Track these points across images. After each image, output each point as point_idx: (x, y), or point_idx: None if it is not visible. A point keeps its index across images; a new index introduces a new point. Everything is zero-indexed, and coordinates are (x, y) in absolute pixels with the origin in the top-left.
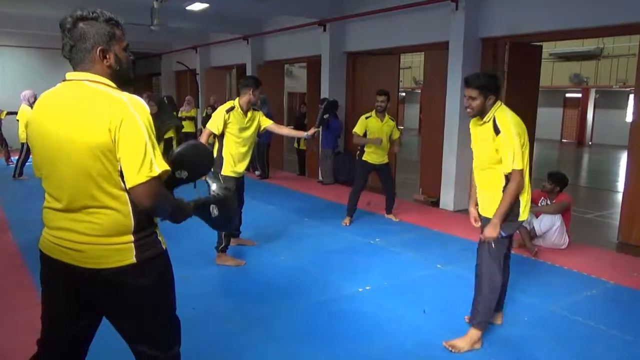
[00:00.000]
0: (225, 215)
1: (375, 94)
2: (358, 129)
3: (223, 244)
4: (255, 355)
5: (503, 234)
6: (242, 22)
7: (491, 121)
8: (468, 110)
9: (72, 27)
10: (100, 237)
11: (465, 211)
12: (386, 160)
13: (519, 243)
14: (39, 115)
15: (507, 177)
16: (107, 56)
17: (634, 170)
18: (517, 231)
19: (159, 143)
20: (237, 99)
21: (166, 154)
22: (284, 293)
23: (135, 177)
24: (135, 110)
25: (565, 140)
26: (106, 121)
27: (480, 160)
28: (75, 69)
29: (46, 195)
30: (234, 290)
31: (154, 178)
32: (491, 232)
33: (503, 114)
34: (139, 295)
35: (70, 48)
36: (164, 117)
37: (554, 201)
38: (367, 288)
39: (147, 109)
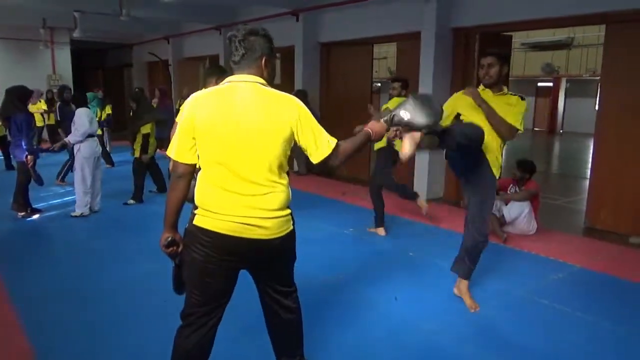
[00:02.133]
0: (418, 113)
1: (391, 81)
2: None
3: None
4: (229, 345)
5: None
6: (215, 11)
7: (509, 94)
8: (486, 78)
9: (244, 39)
10: (278, 210)
11: (437, 200)
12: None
13: (489, 230)
14: (218, 109)
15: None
16: (267, 65)
17: (600, 158)
18: None
19: (135, 137)
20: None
21: (144, 149)
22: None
23: (320, 151)
24: (301, 104)
25: (537, 129)
26: (289, 115)
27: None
28: (241, 72)
29: (220, 182)
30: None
31: (333, 149)
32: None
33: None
34: (292, 253)
35: (242, 56)
36: (140, 112)
37: (522, 188)
38: (341, 277)
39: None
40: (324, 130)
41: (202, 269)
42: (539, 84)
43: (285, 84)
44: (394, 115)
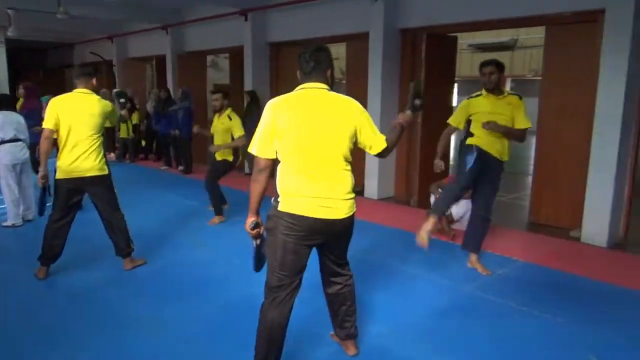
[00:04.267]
0: (422, 96)
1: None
2: None
3: (131, 248)
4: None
5: None
6: (161, 10)
7: (509, 94)
8: (488, 83)
9: (312, 54)
10: (349, 193)
11: (389, 199)
12: None
13: (438, 228)
14: (299, 110)
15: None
16: (331, 74)
17: (541, 155)
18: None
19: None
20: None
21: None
22: (201, 290)
23: (378, 145)
24: (361, 107)
25: None
26: (353, 115)
27: (497, 119)
28: (311, 81)
29: (301, 171)
30: (148, 291)
31: (385, 141)
32: None
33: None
34: (352, 231)
35: (313, 67)
36: None
37: None
38: None
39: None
40: (376, 128)
41: (287, 248)
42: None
43: (234, 84)
44: (413, 105)
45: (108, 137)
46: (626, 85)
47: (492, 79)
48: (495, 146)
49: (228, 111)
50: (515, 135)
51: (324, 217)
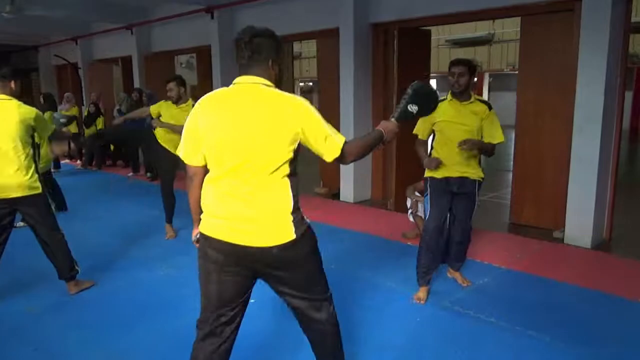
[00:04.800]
0: (424, 104)
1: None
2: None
3: (75, 270)
4: None
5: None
6: (124, 10)
7: (476, 100)
8: (456, 86)
9: (250, 41)
10: (281, 214)
11: (365, 202)
12: None
13: (415, 233)
14: (218, 112)
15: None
16: (274, 66)
17: (521, 152)
18: (413, 220)
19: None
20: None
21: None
22: (154, 314)
23: (329, 152)
24: (307, 104)
25: None
26: (293, 117)
27: (459, 137)
28: (247, 74)
29: (219, 185)
30: (91, 319)
31: (342, 148)
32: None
33: (480, 97)
34: (305, 261)
35: (249, 57)
36: None
37: None
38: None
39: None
40: (332, 130)
41: (209, 277)
42: None
43: (203, 85)
44: (403, 111)
45: (74, 143)
46: (606, 76)
47: (460, 81)
48: (458, 165)
49: (190, 102)
50: (488, 152)
51: (242, 243)
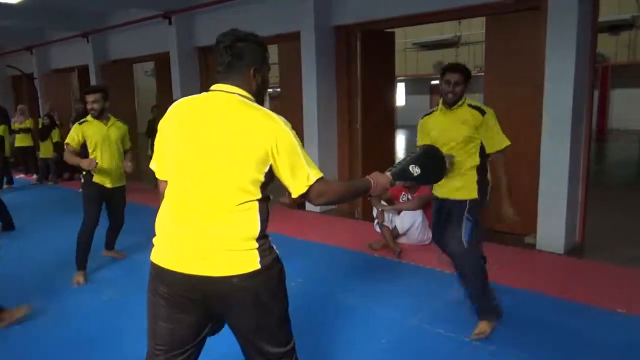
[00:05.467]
0: (429, 170)
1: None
2: None
3: None
4: None
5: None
6: (80, 17)
7: (467, 105)
8: (450, 95)
9: (231, 46)
10: (242, 240)
11: (331, 212)
12: None
13: (382, 244)
14: (184, 121)
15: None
16: (256, 76)
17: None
18: (380, 230)
19: None
20: None
21: None
22: (89, 353)
23: (295, 188)
24: (285, 126)
25: None
26: (265, 136)
27: (449, 146)
28: (225, 82)
29: (173, 205)
30: (24, 354)
31: (311, 186)
32: (507, 209)
33: (473, 101)
34: (268, 298)
35: (228, 64)
36: None
37: (414, 196)
38: None
39: (289, 124)
40: (308, 162)
41: (158, 313)
42: (433, 82)
43: (162, 93)
44: (402, 169)
45: (29, 157)
46: (575, 77)
47: (456, 90)
48: (449, 184)
49: (113, 119)
50: (500, 170)
51: (197, 272)
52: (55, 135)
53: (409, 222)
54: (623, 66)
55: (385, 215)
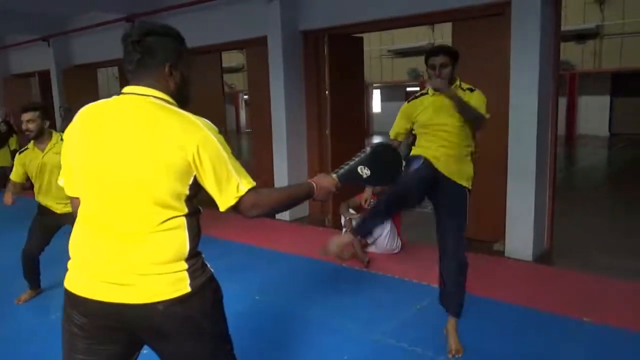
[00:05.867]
0: (380, 171)
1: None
2: None
3: None
4: None
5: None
6: (40, 20)
7: (460, 88)
8: (439, 80)
9: (140, 40)
10: (163, 264)
11: (302, 219)
12: None
13: (350, 253)
14: (90, 130)
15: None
16: (173, 74)
17: None
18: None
19: None
20: None
21: None
22: None
23: (222, 202)
24: (209, 131)
25: None
26: (184, 143)
27: (444, 130)
28: (137, 83)
29: (85, 226)
30: None
31: (241, 197)
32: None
33: (467, 83)
34: (199, 328)
35: (137, 62)
36: None
37: None
38: None
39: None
40: (237, 170)
41: (74, 345)
42: (408, 89)
43: None
44: (350, 171)
45: None
46: (539, 80)
47: (443, 73)
48: (448, 165)
49: (54, 141)
50: (472, 114)
51: (116, 300)
52: (12, 142)
53: (378, 232)
54: (589, 74)
55: (353, 223)
